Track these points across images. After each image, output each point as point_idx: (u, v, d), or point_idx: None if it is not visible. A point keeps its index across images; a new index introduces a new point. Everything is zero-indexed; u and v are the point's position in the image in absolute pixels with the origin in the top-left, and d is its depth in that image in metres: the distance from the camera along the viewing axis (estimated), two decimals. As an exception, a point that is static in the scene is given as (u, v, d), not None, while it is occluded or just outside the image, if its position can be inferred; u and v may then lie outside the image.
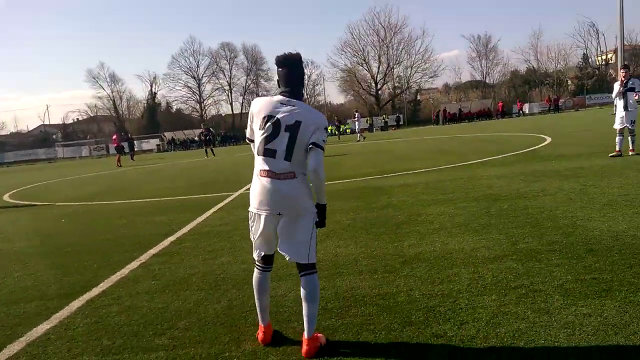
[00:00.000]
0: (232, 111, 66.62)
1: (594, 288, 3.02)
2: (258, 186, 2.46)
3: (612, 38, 65.82)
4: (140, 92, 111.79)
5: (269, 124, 2.42)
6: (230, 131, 52.83)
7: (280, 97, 2.49)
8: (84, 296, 3.81)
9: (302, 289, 2.53)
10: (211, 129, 30.07)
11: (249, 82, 65.99)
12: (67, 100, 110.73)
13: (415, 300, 3.10)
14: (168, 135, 51.58)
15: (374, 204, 6.57)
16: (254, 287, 2.68)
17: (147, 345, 2.82)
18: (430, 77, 60.29)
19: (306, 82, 58.93)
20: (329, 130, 31.36)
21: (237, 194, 9.09)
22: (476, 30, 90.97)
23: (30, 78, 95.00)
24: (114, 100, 64.59)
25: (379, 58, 60.16)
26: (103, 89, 63.79)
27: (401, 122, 50.37)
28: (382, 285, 3.44)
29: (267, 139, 2.42)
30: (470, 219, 5.11)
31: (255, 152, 2.51)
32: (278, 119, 2.41)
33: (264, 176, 2.44)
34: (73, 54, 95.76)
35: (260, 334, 2.70)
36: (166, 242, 5.42)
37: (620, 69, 9.71)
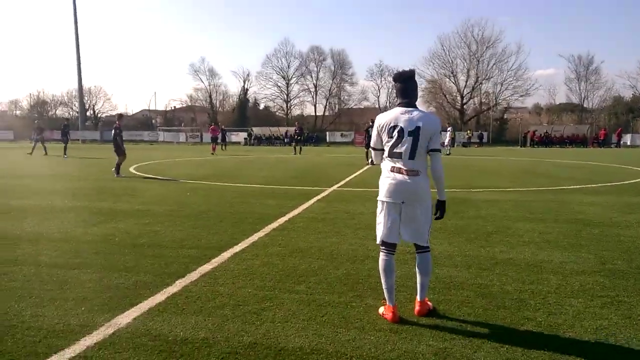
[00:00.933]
0: (315, 112, 68.76)
1: (678, 306, 3.36)
2: (389, 180, 3.13)
3: None
4: (233, 87, 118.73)
5: (395, 132, 3.08)
6: (312, 132, 54.62)
7: (400, 109, 3.11)
8: (229, 250, 4.83)
9: (418, 264, 3.22)
10: (303, 127, 31.52)
11: (334, 86, 67.71)
12: (169, 90, 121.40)
13: (507, 292, 3.65)
14: (256, 130, 54.70)
15: (462, 213, 7.05)
16: (382, 269, 3.16)
17: (291, 289, 3.69)
18: (522, 96, 57.42)
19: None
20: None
21: (331, 189, 9.96)
22: (577, 49, 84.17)
23: (140, 68, 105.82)
24: (210, 93, 69.90)
25: (468, 72, 58.54)
26: (202, 81, 69.42)
27: (484, 140, 48.63)
28: (477, 277, 4.02)
29: (395, 144, 3.07)
30: (560, 238, 5.44)
31: (385, 154, 3.16)
32: (402, 127, 3.05)
33: (394, 171, 3.08)
34: (178, 49, 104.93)
35: (389, 314, 3.09)
36: (281, 221, 6.39)
37: None
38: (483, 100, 60.31)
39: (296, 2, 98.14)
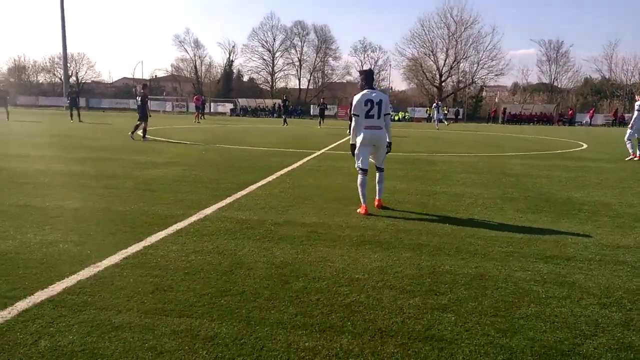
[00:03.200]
0: (299, 86, 69.87)
1: (527, 210, 5.60)
2: (367, 131, 5.24)
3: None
4: (218, 58, 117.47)
5: (368, 103, 5.23)
6: (297, 105, 56.07)
7: (368, 90, 5.22)
8: (255, 185, 6.85)
9: (378, 178, 5.47)
10: (288, 100, 33.18)
11: (318, 60, 68.66)
12: (153, 59, 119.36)
13: (436, 205, 5.82)
14: (241, 101, 55.74)
15: (422, 168, 9.26)
16: (359, 183, 5.29)
17: (302, 202, 5.76)
18: (496, 75, 59.94)
19: (375, 70, 61.15)
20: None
21: (320, 152, 12.02)
22: (548, 33, 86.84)
23: (124, 36, 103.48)
24: (195, 63, 69.91)
25: (447, 51, 60.56)
26: (187, 52, 69.29)
27: (460, 116, 51.13)
28: (419, 198, 6.19)
29: (369, 110, 5.22)
30: (484, 182, 7.69)
31: (361, 118, 5.24)
32: (372, 100, 5.22)
33: (368, 127, 5.24)
34: (162, 19, 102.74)
35: (363, 210, 5.22)
36: (285, 170, 8.44)
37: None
38: (460, 79, 62.67)
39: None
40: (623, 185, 7.62)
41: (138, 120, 14.36)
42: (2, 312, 2.60)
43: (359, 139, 5.29)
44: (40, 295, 2.81)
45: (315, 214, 5.13)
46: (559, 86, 61.58)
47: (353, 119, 5.34)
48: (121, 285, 3.01)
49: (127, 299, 2.81)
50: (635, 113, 11.42)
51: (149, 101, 14.40)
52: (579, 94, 60.42)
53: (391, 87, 75.53)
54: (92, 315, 2.58)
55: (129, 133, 14.45)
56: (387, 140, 5.34)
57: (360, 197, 5.34)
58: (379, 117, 5.19)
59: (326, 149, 12.97)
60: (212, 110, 56.21)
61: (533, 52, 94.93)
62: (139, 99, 14.43)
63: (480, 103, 60.46)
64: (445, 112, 50.89)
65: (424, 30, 60.80)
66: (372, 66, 67.07)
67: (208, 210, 5.12)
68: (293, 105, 53.23)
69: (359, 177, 5.36)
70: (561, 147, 15.21)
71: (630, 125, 11.66)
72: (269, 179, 7.46)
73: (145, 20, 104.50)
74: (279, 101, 32.13)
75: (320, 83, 70.26)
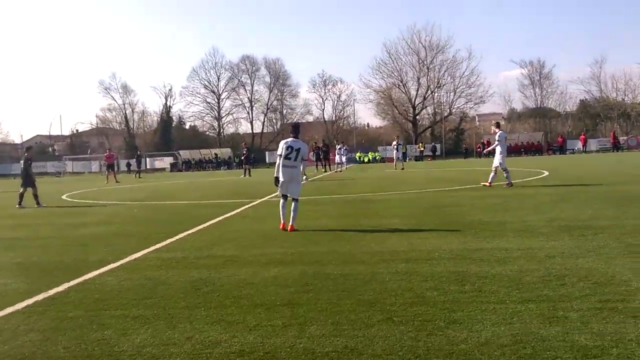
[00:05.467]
0: (252, 130, 72.89)
1: (431, 232, 7.80)
2: (284, 170, 8.15)
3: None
4: (153, 105, 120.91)
5: (289, 148, 8.01)
6: (250, 152, 58.69)
7: (292, 139, 8.32)
8: (187, 232, 8.82)
9: (292, 206, 8.10)
10: (249, 148, 35.74)
11: (272, 98, 72.46)
12: (74, 111, 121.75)
13: (363, 225, 7.96)
14: (183, 153, 57.90)
15: (356, 206, 11.49)
16: (281, 206, 8.51)
17: (230, 242, 7.78)
18: (476, 104, 65.00)
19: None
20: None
21: (260, 200, 14.14)
22: (529, 55, 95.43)
23: (38, 89, 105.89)
24: (125, 112, 72.24)
25: (418, 80, 65.58)
26: (114, 100, 71.78)
27: (437, 152, 54.90)
28: (339, 233, 8.31)
29: (289, 154, 8.09)
30: (410, 213, 9.95)
31: (282, 158, 8.11)
32: (292, 147, 8.02)
33: (286, 166, 8.08)
34: (83, 65, 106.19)
35: (282, 226, 8.42)
36: (218, 219, 10.45)
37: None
38: (437, 110, 67.47)
39: (224, 6, 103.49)
40: (534, 209, 10.03)
41: (21, 186, 15.33)
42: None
43: (280, 174, 8.38)
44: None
45: (236, 249, 7.14)
46: (550, 111, 66.94)
47: (278, 158, 8.36)
48: (72, 300, 4.90)
49: (76, 304, 4.70)
50: (497, 142, 14.60)
51: (31, 165, 15.72)
52: (576, 119, 65.84)
53: (367, 125, 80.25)
54: (54, 316, 4.46)
55: (17, 205, 15.05)
56: (300, 178, 8.28)
57: (281, 216, 8.49)
58: (295, 160, 8.43)
59: (269, 196, 15.12)
60: (148, 167, 57.96)
61: (514, 75, 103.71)
62: (22, 162, 15.70)
63: (461, 136, 64.83)
64: (422, 149, 54.82)
65: (390, 58, 66.00)
66: (335, 102, 71.84)
67: (138, 254, 7.04)
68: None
69: (281, 201, 8.58)
70: (515, 177, 17.97)
71: (499, 153, 14.50)
72: (200, 227, 9.44)
73: (62, 68, 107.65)
74: (228, 150, 34.69)
75: (278, 125, 73.67)
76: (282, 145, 8.45)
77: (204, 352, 3.48)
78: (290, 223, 8.33)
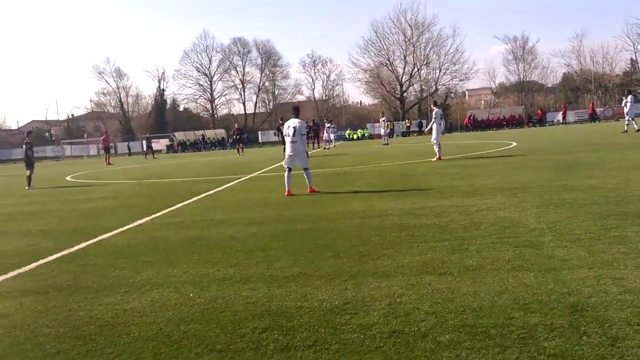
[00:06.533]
0: (245, 110, 73.59)
1: (390, 194, 8.97)
2: (287, 145, 9.95)
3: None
4: (147, 89, 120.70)
5: (290, 127, 9.64)
6: (244, 132, 59.51)
7: (292, 119, 10.11)
8: (183, 203, 9.94)
9: (305, 174, 9.88)
10: (241, 128, 36.87)
11: (264, 79, 72.95)
12: (70, 96, 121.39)
13: (326, 200, 9.12)
14: (178, 135, 58.68)
15: (333, 178, 12.64)
16: (286, 177, 10.03)
17: (219, 209, 8.92)
18: (461, 80, 65.89)
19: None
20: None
21: (250, 175, 15.26)
22: (512, 31, 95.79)
23: (34, 74, 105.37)
24: (119, 96, 72.60)
25: (405, 58, 66.25)
26: (108, 84, 72.08)
27: (423, 128, 55.90)
28: (330, 189, 9.47)
29: (289, 132, 9.75)
30: (380, 182, 11.10)
31: (286, 136, 9.86)
32: (291, 126, 9.74)
33: (289, 142, 9.88)
34: (78, 51, 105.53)
35: (287, 193, 9.90)
36: (210, 192, 11.57)
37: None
38: (423, 87, 68.34)
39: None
40: (488, 176, 11.19)
41: (27, 169, 16.57)
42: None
43: (287, 149, 10.15)
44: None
45: (224, 214, 8.30)
46: (535, 84, 67.97)
47: (285, 137, 10.22)
48: (92, 253, 6.05)
49: (96, 255, 5.85)
50: (433, 120, 15.79)
51: (32, 149, 17.14)
52: (559, 92, 67.02)
53: (360, 103, 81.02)
54: (80, 263, 5.61)
55: (26, 187, 16.28)
56: (305, 150, 10.24)
57: (286, 185, 10.00)
58: (294, 135, 10.01)
59: (259, 172, 16.25)
60: (144, 149, 58.75)
61: (497, 52, 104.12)
62: (24, 147, 17.10)
63: (447, 111, 65.83)
64: (408, 125, 55.85)
65: (378, 37, 66.53)
66: (325, 82, 72.62)
67: (142, 221, 8.18)
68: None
69: (286, 173, 10.04)
70: (486, 148, 19.15)
71: (433, 129, 15.82)
72: (195, 199, 10.57)
73: (57, 54, 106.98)
74: (233, 130, 35.80)
75: (271, 105, 74.39)
76: (286, 125, 10.35)
77: (196, 280, 4.64)
78: (309, 186, 10.07)
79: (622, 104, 25.67)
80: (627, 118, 23.81)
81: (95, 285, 4.69)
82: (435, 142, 15.78)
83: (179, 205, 9.67)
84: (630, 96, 24.74)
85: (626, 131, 22.62)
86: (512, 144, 21.01)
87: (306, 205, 8.57)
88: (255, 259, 5.21)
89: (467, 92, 76.99)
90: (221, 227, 7.15)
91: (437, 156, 15.55)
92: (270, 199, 9.60)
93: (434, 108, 16.42)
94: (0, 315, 4.05)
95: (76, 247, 6.41)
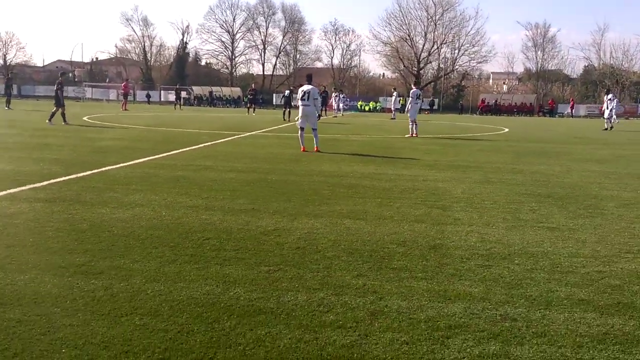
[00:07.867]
0: (263, 71, 73.97)
1: (372, 162, 10.02)
2: (301, 108, 11.64)
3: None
4: (171, 40, 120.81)
5: (303, 92, 11.03)
6: (260, 93, 60.24)
7: (306, 85, 11.68)
8: (183, 149, 11.09)
9: (313, 134, 11.21)
10: (257, 89, 37.65)
11: (285, 42, 73.03)
12: (95, 41, 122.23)
13: (318, 158, 10.21)
14: (196, 89, 59.62)
15: (325, 144, 13.69)
16: (300, 135, 11.78)
17: (211, 158, 10.06)
18: (479, 63, 65.56)
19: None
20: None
21: (249, 133, 16.34)
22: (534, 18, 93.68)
23: (63, 14, 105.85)
24: (143, 45, 73.32)
25: (425, 35, 65.86)
26: (134, 31, 72.76)
27: (435, 107, 56.24)
28: (329, 150, 10.55)
29: (303, 96, 11.30)
30: (361, 150, 12.14)
31: (300, 100, 11.20)
32: (305, 91, 11.15)
33: (302, 105, 11.54)
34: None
35: (302, 149, 11.54)
36: (209, 143, 12.69)
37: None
38: (441, 66, 68.14)
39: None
40: (454, 154, 12.15)
41: (54, 106, 18.22)
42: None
43: (300, 111, 11.62)
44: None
45: (212, 162, 9.43)
46: (554, 74, 67.30)
47: (299, 101, 11.40)
48: (94, 179, 7.24)
49: (97, 181, 7.03)
50: (410, 98, 16.96)
51: (63, 89, 18.57)
52: (580, 85, 66.38)
53: (382, 75, 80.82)
54: (83, 184, 6.81)
55: (47, 120, 17.97)
56: (317, 112, 11.84)
57: (300, 142, 11.64)
58: (307, 100, 11.46)
59: (258, 131, 17.32)
60: (162, 99, 60.00)
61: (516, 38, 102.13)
62: (55, 86, 18.47)
63: (462, 93, 65.79)
64: (403, 102, 56.02)
65: (401, 11, 66.04)
66: (344, 51, 72.51)
67: (140, 160, 9.36)
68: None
69: (299, 132, 11.72)
70: (478, 132, 19.96)
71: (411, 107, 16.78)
72: (192, 147, 11.71)
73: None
74: (249, 90, 36.55)
75: (291, 68, 74.60)
76: (299, 90, 11.81)
77: (170, 204, 5.80)
78: (315, 146, 11.38)
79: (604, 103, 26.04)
80: (607, 115, 24.61)
81: (92, 201, 5.87)
82: (410, 117, 16.72)
83: (177, 151, 10.82)
84: (610, 94, 25.16)
85: (606, 129, 23.74)
86: (504, 129, 21.78)
87: (283, 163, 9.66)
88: (223, 196, 6.34)
89: (491, 74, 76.52)
90: (206, 172, 8.29)
91: (411, 133, 16.56)
92: (258, 154, 10.71)
93: (413, 87, 17.52)
94: (19, 212, 5.25)
95: (82, 174, 7.61)
